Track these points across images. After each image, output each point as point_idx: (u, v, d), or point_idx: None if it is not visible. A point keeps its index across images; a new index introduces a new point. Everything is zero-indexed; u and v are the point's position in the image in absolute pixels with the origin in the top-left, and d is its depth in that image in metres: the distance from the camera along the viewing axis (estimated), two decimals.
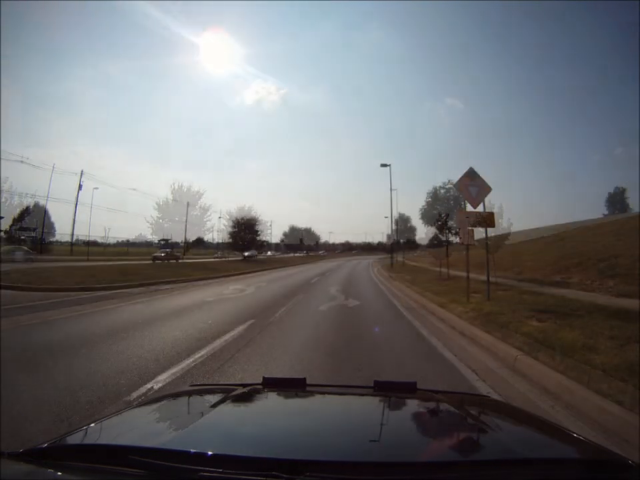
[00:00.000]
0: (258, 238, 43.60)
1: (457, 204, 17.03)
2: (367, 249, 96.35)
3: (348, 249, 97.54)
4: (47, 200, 31.50)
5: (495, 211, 11.77)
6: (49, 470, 0.79)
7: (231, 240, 38.96)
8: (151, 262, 25.54)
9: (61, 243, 47.96)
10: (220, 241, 46.48)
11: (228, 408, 1.15)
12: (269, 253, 55.21)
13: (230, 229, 41.78)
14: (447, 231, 16.27)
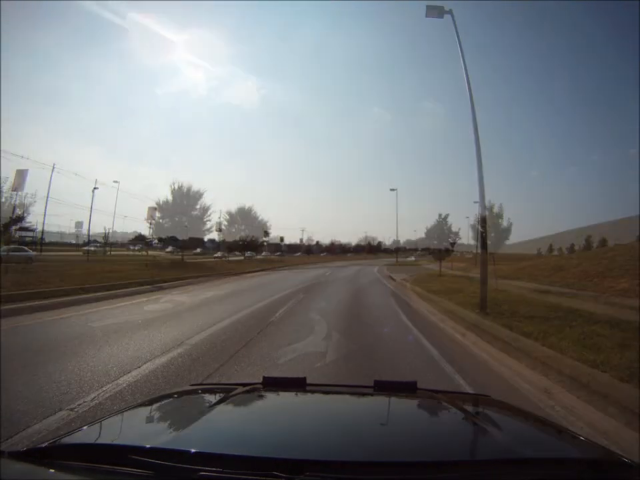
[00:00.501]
0: (261, 241, 43.87)
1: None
2: (367, 249, 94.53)
3: (347, 250, 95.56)
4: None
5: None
6: (49, 470, 0.78)
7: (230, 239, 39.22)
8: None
9: (61, 244, 47.60)
10: (219, 241, 46.39)
11: (228, 408, 1.15)
12: (264, 253, 55.04)
13: (228, 229, 41.98)
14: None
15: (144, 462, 0.76)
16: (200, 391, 1.60)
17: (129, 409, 1.24)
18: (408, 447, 0.91)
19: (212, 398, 1.25)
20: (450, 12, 8.96)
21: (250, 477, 0.71)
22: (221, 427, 1.04)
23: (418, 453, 0.88)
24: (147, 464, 0.75)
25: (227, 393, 1.25)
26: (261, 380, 1.35)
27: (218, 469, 0.72)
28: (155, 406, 1.30)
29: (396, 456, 0.84)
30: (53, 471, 0.79)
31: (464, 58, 8.82)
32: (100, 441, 0.94)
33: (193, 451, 0.79)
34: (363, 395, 1.46)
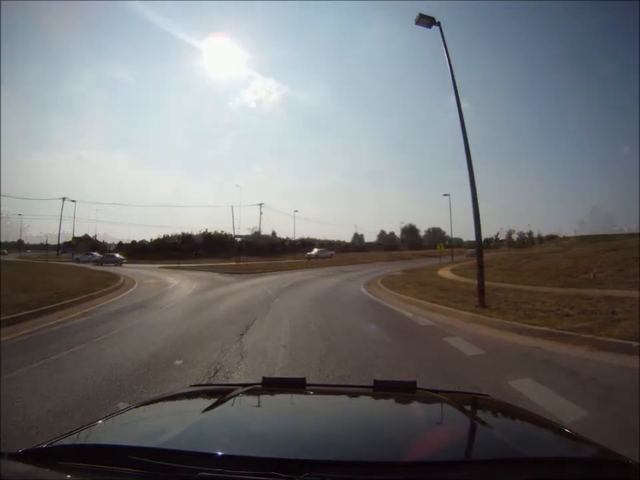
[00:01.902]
0: None
1: None
2: (360, 248, 79.85)
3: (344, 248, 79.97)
4: None
5: None
6: (49, 470, 0.78)
7: None
8: None
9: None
10: None
11: (228, 408, 1.15)
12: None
13: None
14: None
15: (144, 462, 0.76)
16: (200, 392, 1.61)
17: (128, 409, 1.24)
18: (408, 447, 0.91)
19: (212, 398, 1.25)
20: (439, 24, 8.67)
21: (250, 477, 0.71)
22: (221, 427, 1.04)
23: (418, 452, 0.88)
24: (147, 464, 0.75)
25: (226, 393, 1.25)
26: (260, 380, 1.35)
27: (218, 469, 0.72)
28: (155, 406, 1.30)
29: (396, 456, 0.84)
30: (53, 471, 0.79)
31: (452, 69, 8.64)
32: (100, 442, 0.94)
33: (192, 451, 0.80)
34: (363, 394, 1.46)
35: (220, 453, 0.78)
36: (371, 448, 0.89)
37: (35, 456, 0.83)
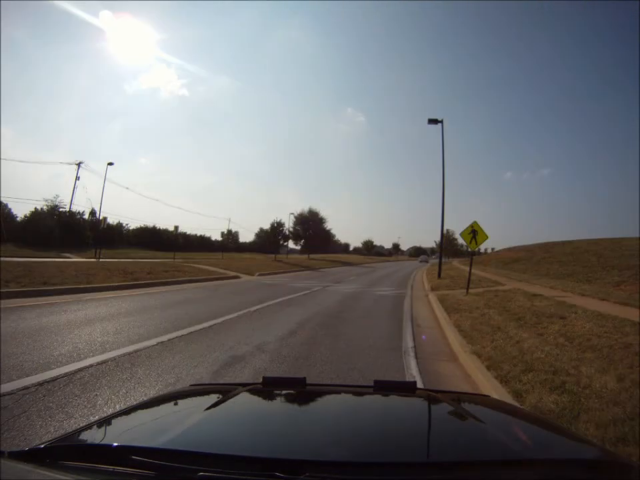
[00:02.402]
0: None
1: None
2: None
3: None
4: None
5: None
6: (49, 470, 0.78)
7: None
8: None
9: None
10: None
11: (228, 408, 1.15)
12: None
13: None
14: None
15: (144, 462, 0.76)
16: (200, 391, 1.60)
17: (129, 409, 1.23)
18: (408, 447, 0.91)
19: (212, 398, 1.25)
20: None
21: (250, 477, 0.71)
22: (221, 427, 1.04)
23: (418, 453, 0.88)
24: (147, 464, 0.76)
25: (226, 393, 1.25)
26: (260, 380, 1.35)
27: (218, 469, 0.72)
28: (155, 406, 1.30)
29: (396, 456, 0.84)
30: (53, 471, 0.79)
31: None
32: (100, 441, 0.94)
33: (192, 451, 0.79)
34: (363, 394, 1.46)
35: (220, 453, 0.78)
36: (371, 448, 0.89)
37: (35, 456, 0.83)
